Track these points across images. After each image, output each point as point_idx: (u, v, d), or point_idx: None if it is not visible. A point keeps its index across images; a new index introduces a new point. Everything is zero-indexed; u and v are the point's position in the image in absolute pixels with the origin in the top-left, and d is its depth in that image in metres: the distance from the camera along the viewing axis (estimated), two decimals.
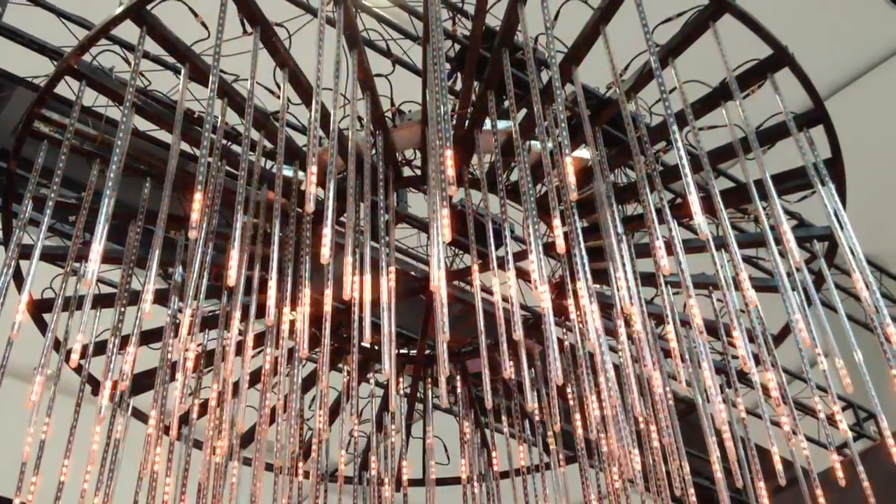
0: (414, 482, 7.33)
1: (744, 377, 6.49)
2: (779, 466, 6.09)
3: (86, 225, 5.26)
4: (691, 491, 6.29)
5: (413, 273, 6.19)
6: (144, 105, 5.37)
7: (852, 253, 5.50)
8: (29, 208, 5.16)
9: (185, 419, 6.23)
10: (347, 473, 7.30)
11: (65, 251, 5.60)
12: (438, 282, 4.21)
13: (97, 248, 4.37)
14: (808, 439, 6.52)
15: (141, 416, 6.45)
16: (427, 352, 6.58)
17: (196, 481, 6.09)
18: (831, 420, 6.69)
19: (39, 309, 6.21)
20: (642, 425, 6.11)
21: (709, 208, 5.12)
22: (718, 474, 6.05)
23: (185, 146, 5.54)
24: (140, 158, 5.41)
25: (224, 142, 5.33)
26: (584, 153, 5.46)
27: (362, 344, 4.63)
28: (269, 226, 5.11)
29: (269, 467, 6.39)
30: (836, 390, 6.20)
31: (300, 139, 5.99)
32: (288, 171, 5.48)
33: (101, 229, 4.39)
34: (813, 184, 5.44)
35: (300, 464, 6.76)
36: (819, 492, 6.21)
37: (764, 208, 5.45)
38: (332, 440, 6.88)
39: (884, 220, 11.67)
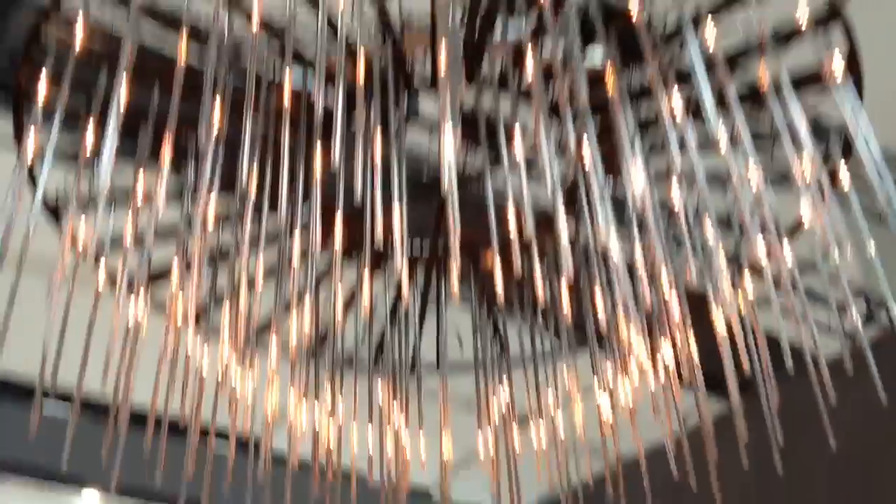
0: (428, 368, 7.49)
1: (756, 269, 6.53)
2: (786, 350, 6.16)
3: (97, 127, 5.27)
4: (700, 378, 6.43)
5: (425, 174, 6.18)
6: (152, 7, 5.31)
7: (867, 146, 5.48)
8: (40, 111, 5.16)
9: (203, 313, 6.37)
10: (362, 361, 7.49)
11: (76, 151, 5.61)
12: (450, 184, 4.24)
13: (109, 152, 4.42)
14: (818, 328, 6.58)
15: (159, 308, 6.58)
16: (440, 248, 6.64)
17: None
18: (842, 309, 6.76)
19: (55, 208, 6.28)
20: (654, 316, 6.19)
21: (723, 107, 5.08)
22: (727, 362, 6.18)
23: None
24: (147, 63, 5.36)
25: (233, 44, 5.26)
26: (596, 54, 5.36)
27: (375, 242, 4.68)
28: (279, 132, 5.10)
29: (285, 355, 6.54)
30: (848, 280, 6.25)
31: (309, 46, 5.89)
32: (296, 76, 5.41)
33: (112, 135, 4.42)
34: (829, 78, 5.37)
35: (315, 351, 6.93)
36: (827, 380, 6.31)
37: (779, 105, 5.40)
38: (346, 331, 7.02)
39: None
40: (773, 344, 6.63)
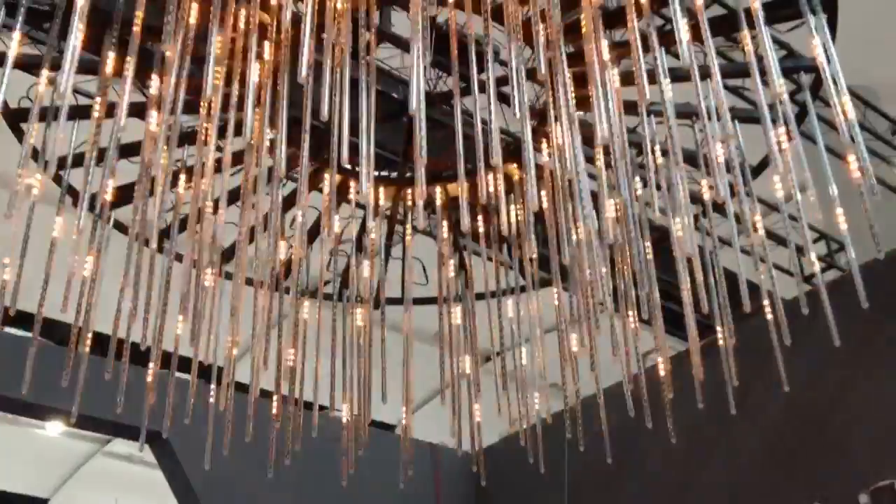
0: (392, 301, 7.46)
1: (720, 207, 6.56)
2: (744, 291, 6.19)
3: (61, 33, 5.13)
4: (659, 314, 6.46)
5: (395, 95, 6.11)
6: None
7: (835, 83, 5.48)
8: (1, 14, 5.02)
9: (167, 233, 6.29)
10: (327, 292, 7.46)
11: (39, 59, 5.48)
12: (418, 104, 4.19)
13: (70, 58, 4.32)
14: (777, 268, 6.64)
15: (122, 228, 6.49)
16: (407, 174, 6.58)
17: (178, 294, 6.20)
18: (802, 251, 6.81)
19: (16, 118, 6.14)
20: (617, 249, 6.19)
21: (698, 36, 5.05)
22: (686, 299, 6.21)
23: None
24: None
25: None
26: None
27: (342, 165, 4.62)
28: (247, 42, 5.00)
29: (249, 282, 6.49)
30: (809, 222, 6.27)
31: None
32: None
33: (73, 38, 4.31)
34: (803, 12, 5.35)
35: (281, 280, 6.87)
36: (784, 322, 6.37)
37: (753, 37, 5.37)
38: (311, 259, 6.97)
39: (878, 54, 11.40)
40: (732, 284, 6.67)
